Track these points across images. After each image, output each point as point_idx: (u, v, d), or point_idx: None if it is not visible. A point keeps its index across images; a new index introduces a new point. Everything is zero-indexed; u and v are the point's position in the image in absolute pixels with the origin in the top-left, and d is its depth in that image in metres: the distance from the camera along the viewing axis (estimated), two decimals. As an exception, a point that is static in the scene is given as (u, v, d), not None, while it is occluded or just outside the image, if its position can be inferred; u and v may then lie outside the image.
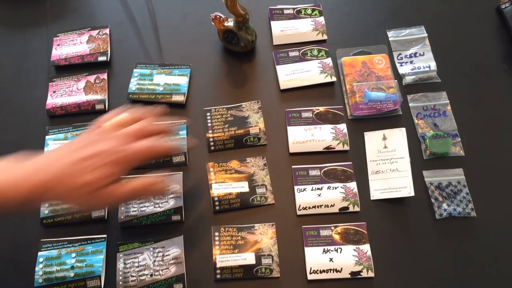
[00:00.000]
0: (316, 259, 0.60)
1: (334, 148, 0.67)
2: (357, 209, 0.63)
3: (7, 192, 0.45)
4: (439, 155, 0.66)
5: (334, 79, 0.71)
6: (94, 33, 0.76)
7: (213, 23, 0.71)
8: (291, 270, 0.60)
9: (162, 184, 0.53)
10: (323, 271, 0.59)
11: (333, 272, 0.59)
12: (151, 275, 0.59)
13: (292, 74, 0.71)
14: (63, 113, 0.69)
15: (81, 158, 0.47)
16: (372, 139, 0.68)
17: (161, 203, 0.63)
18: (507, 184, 0.65)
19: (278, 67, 0.72)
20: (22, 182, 0.45)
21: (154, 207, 0.62)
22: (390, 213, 0.63)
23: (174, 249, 0.60)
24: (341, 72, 0.73)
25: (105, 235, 0.61)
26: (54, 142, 0.66)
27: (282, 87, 0.71)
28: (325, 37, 0.76)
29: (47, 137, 0.67)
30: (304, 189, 0.64)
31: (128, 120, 0.53)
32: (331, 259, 0.60)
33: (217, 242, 0.61)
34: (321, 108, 0.70)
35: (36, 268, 0.59)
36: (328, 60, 0.73)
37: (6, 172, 0.46)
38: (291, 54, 0.74)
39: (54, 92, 0.71)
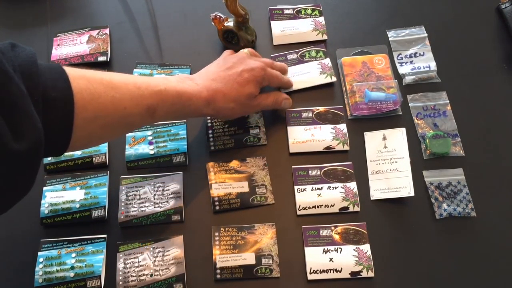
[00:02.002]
0: (316, 259, 0.60)
1: (334, 148, 0.67)
2: (357, 209, 0.63)
3: (193, 97, 0.56)
4: (439, 155, 0.66)
5: (334, 79, 0.71)
6: (94, 33, 0.76)
7: (213, 23, 0.71)
8: (291, 270, 0.60)
9: (290, 100, 0.68)
10: (323, 271, 0.59)
11: (333, 272, 0.59)
12: (151, 275, 0.59)
13: (292, 77, 0.71)
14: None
15: (241, 71, 0.61)
16: (372, 139, 0.68)
17: (161, 203, 0.63)
18: (507, 184, 0.65)
19: None
20: (203, 90, 0.57)
21: (154, 207, 0.62)
22: (390, 213, 0.63)
23: (174, 249, 0.60)
24: (341, 72, 0.73)
25: (105, 235, 0.61)
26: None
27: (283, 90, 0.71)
28: (325, 37, 0.76)
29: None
30: (304, 189, 0.64)
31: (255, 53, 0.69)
32: (331, 259, 0.60)
33: (217, 242, 0.61)
34: (321, 108, 0.70)
35: (36, 268, 0.59)
36: (327, 61, 0.73)
37: (186, 84, 0.57)
38: (290, 57, 0.73)
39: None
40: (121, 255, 0.60)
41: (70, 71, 0.46)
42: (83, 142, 0.50)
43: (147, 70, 0.72)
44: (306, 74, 0.72)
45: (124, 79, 0.52)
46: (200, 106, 0.57)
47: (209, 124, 0.69)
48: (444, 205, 0.63)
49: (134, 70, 0.72)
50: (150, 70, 0.72)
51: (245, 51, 0.67)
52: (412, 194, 0.62)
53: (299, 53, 0.73)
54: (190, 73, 0.72)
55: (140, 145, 0.67)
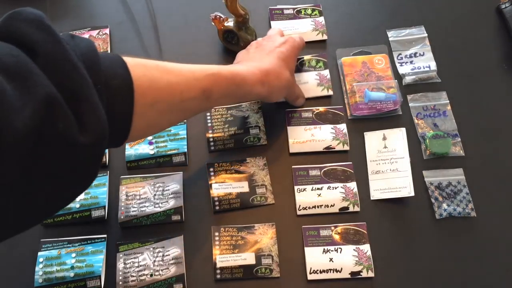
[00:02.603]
0: (316, 259, 0.60)
1: (334, 148, 0.67)
2: (357, 209, 0.63)
3: (247, 78, 0.57)
4: (439, 155, 0.66)
5: (330, 92, 0.71)
6: (94, 33, 0.76)
7: (213, 23, 0.71)
8: (291, 270, 0.60)
9: (303, 99, 0.70)
10: (323, 271, 0.59)
11: (333, 272, 0.59)
12: (151, 275, 0.59)
13: None
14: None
15: (279, 48, 0.64)
16: (372, 139, 0.68)
17: (161, 203, 0.63)
18: (507, 184, 0.65)
19: None
20: (256, 70, 0.59)
21: (154, 207, 0.62)
22: (390, 213, 0.63)
23: (174, 249, 0.60)
24: (341, 72, 0.73)
25: (105, 235, 0.61)
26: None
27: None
28: (325, 37, 0.76)
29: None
30: (304, 189, 0.64)
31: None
32: (331, 259, 0.60)
33: (217, 242, 0.61)
34: (321, 108, 0.70)
35: (36, 268, 0.59)
36: (326, 72, 0.72)
37: (238, 67, 0.59)
38: None
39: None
40: (121, 255, 0.60)
41: (127, 59, 0.46)
42: (142, 131, 0.50)
43: (147, 70, 0.72)
44: (303, 85, 0.71)
45: (178, 65, 0.52)
46: (254, 86, 0.58)
47: (209, 124, 0.69)
48: (444, 205, 0.63)
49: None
50: (150, 70, 0.72)
51: (272, 32, 0.70)
52: (412, 194, 0.62)
53: (299, 61, 0.73)
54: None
55: (140, 145, 0.67)
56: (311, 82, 0.72)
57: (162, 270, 0.59)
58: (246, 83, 0.57)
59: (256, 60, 0.62)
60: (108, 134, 0.40)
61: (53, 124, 0.35)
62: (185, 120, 0.69)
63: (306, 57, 0.74)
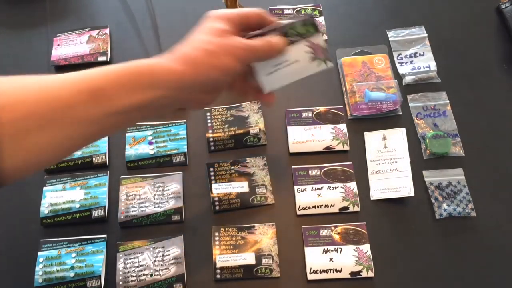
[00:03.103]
0: (316, 259, 0.60)
1: (334, 148, 0.67)
2: (357, 209, 0.63)
3: (164, 72, 0.44)
4: (439, 155, 0.66)
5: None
6: (94, 33, 0.76)
7: (213, 23, 0.71)
8: (291, 270, 0.60)
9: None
10: (323, 271, 0.59)
11: (333, 272, 0.59)
12: (151, 275, 0.59)
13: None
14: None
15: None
16: (372, 139, 0.68)
17: (161, 203, 0.63)
18: (507, 184, 0.65)
19: None
20: (178, 62, 0.45)
21: (154, 207, 0.62)
22: (390, 213, 0.63)
23: (174, 249, 0.60)
24: (341, 72, 0.73)
25: (105, 235, 0.61)
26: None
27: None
28: (325, 37, 0.76)
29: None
30: (304, 189, 0.64)
31: None
32: (331, 259, 0.60)
33: (217, 242, 0.61)
34: (321, 108, 0.70)
35: (36, 268, 0.59)
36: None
37: (157, 61, 0.45)
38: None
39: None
40: (121, 255, 0.60)
41: None
42: (20, 162, 0.39)
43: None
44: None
45: (56, 75, 0.42)
46: (161, 63, 0.45)
47: (209, 124, 0.69)
48: (444, 205, 0.63)
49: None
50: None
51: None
52: (412, 194, 0.62)
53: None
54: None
55: (140, 145, 0.67)
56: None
57: (162, 270, 0.59)
58: (147, 67, 0.44)
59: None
60: None
61: None
62: (185, 120, 0.69)
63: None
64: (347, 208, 0.63)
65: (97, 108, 0.41)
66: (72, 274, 0.58)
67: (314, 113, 0.69)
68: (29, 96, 0.39)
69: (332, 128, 0.68)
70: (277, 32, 0.50)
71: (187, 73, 0.44)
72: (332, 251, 0.60)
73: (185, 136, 0.68)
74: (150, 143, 0.67)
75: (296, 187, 0.64)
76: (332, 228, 0.62)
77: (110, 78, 0.42)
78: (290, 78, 0.52)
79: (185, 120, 0.69)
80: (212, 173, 0.65)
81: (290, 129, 0.68)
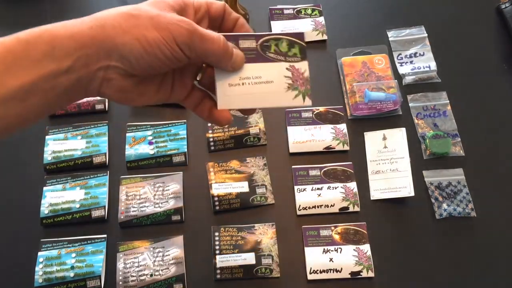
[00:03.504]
0: (316, 259, 0.60)
1: (334, 148, 0.67)
2: (357, 209, 0.63)
3: (61, 38, 0.34)
4: (439, 155, 0.66)
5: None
6: (94, 33, 0.76)
7: (213, 23, 0.71)
8: (291, 270, 0.60)
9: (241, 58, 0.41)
10: (323, 271, 0.59)
11: (333, 272, 0.59)
12: (151, 275, 0.59)
13: None
14: (63, 113, 0.69)
15: None
16: (372, 139, 0.68)
17: (161, 203, 0.63)
18: (507, 184, 0.65)
19: None
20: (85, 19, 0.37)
21: (154, 207, 0.62)
22: (390, 213, 0.63)
23: (174, 249, 0.60)
24: (341, 72, 0.73)
25: (105, 235, 0.61)
26: (54, 142, 0.66)
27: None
28: (325, 37, 0.76)
29: (47, 137, 0.67)
30: (304, 189, 0.64)
31: None
32: (331, 259, 0.60)
33: (217, 242, 0.61)
34: (321, 108, 0.70)
35: (36, 268, 0.59)
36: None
37: (61, 24, 0.36)
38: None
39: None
40: (121, 255, 0.60)
41: None
42: None
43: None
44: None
45: None
46: (69, 26, 0.35)
47: (209, 124, 0.69)
48: (444, 205, 0.63)
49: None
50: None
51: None
52: (412, 194, 0.62)
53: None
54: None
55: (140, 145, 0.67)
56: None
57: (162, 270, 0.59)
58: (37, 33, 0.34)
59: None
60: None
61: None
62: (185, 120, 0.69)
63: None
64: (347, 208, 0.63)
65: None
66: (72, 274, 0.58)
67: (314, 113, 0.69)
68: None
69: (332, 128, 0.68)
70: (254, 40, 0.41)
71: (96, 36, 0.34)
72: (332, 251, 0.60)
73: (185, 136, 0.68)
74: (150, 143, 0.67)
75: (296, 187, 0.64)
76: (332, 228, 0.62)
77: None
78: (256, 101, 0.42)
79: (185, 120, 0.69)
80: (212, 173, 0.65)
81: (290, 129, 0.68)
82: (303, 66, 0.43)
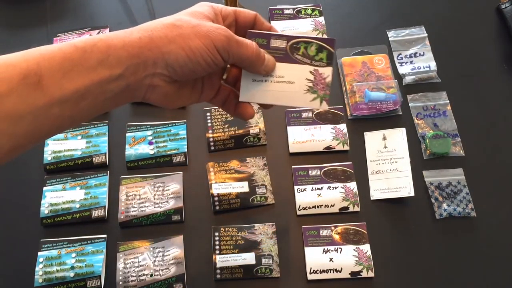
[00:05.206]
0: (316, 259, 0.60)
1: (334, 148, 0.67)
2: (357, 209, 0.63)
3: (104, 36, 0.37)
4: (439, 155, 0.66)
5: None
6: (94, 33, 0.76)
7: (213, 23, 0.71)
8: (291, 270, 0.60)
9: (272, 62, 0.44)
10: (323, 271, 0.59)
11: (333, 272, 0.59)
12: (151, 275, 0.59)
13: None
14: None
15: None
16: (372, 139, 0.68)
17: (161, 203, 0.63)
18: (507, 184, 0.65)
19: None
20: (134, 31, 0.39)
21: (154, 207, 0.62)
22: (390, 213, 0.63)
23: (174, 249, 0.60)
24: (341, 72, 0.73)
25: (105, 235, 0.61)
26: (54, 142, 0.66)
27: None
28: (325, 37, 0.76)
29: (47, 137, 0.67)
30: (304, 189, 0.64)
31: None
32: (331, 259, 0.60)
33: (217, 242, 0.61)
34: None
35: (36, 268, 0.59)
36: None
37: (113, 34, 0.38)
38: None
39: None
40: (121, 255, 0.60)
41: None
42: None
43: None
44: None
45: None
46: (120, 36, 0.37)
47: (209, 124, 0.69)
48: (444, 205, 0.63)
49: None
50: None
51: None
52: (412, 194, 0.62)
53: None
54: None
55: (140, 145, 0.67)
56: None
57: (162, 270, 0.59)
58: (92, 41, 0.36)
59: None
60: None
61: None
62: (185, 120, 0.69)
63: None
64: (347, 208, 0.63)
65: (32, 98, 0.34)
66: (72, 274, 0.58)
67: (314, 113, 0.69)
68: None
69: (332, 128, 0.68)
70: (285, 40, 0.43)
71: (145, 46, 0.37)
72: (332, 251, 0.60)
73: (185, 136, 0.68)
74: (150, 143, 0.67)
75: (296, 187, 0.64)
76: (332, 228, 0.62)
77: (48, 59, 0.34)
78: (274, 98, 0.45)
79: (185, 120, 0.69)
80: (212, 173, 0.65)
81: (290, 129, 0.68)
82: (327, 72, 0.44)
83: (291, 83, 0.44)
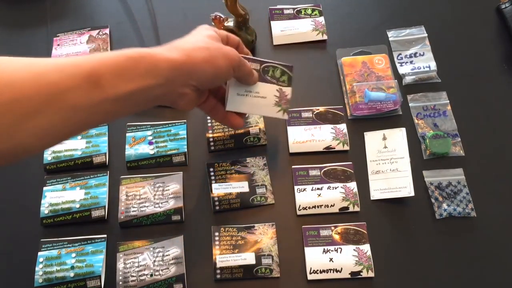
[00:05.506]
0: (316, 259, 0.60)
1: (334, 148, 0.67)
2: (357, 209, 0.63)
3: (148, 51, 0.45)
4: (439, 155, 0.66)
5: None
6: (94, 33, 0.76)
7: (213, 23, 0.71)
8: (291, 270, 0.60)
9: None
10: (323, 271, 0.59)
11: (333, 272, 0.59)
12: (151, 275, 0.59)
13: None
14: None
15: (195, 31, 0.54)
16: (372, 139, 0.68)
17: (161, 203, 0.63)
18: (507, 184, 0.65)
19: None
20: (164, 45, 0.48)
21: (154, 207, 0.62)
22: (390, 213, 0.63)
23: (174, 249, 0.60)
24: (341, 72, 0.73)
25: (105, 235, 0.61)
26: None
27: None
28: (325, 37, 0.76)
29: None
30: (304, 189, 0.64)
31: None
32: (331, 259, 0.60)
33: (217, 242, 0.61)
34: (321, 108, 0.70)
35: (36, 268, 0.59)
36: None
37: (156, 49, 0.47)
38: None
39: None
40: (121, 255, 0.60)
41: None
42: (9, 144, 0.38)
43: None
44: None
45: (49, 59, 0.44)
46: (161, 54, 0.46)
47: (209, 124, 0.69)
48: (444, 205, 0.63)
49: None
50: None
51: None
52: (412, 194, 0.62)
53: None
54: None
55: (140, 145, 0.67)
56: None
57: (162, 270, 0.59)
58: (143, 54, 0.45)
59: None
60: None
61: None
62: (185, 120, 0.69)
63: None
64: (347, 208, 0.63)
65: (91, 93, 0.41)
66: (72, 274, 0.58)
67: (314, 113, 0.69)
68: (14, 77, 0.38)
69: (332, 128, 0.68)
70: (259, 64, 0.57)
71: (184, 63, 0.46)
72: (332, 251, 0.60)
73: (185, 136, 0.68)
74: (150, 143, 0.67)
75: (296, 187, 0.64)
76: (332, 228, 0.62)
77: (106, 64, 0.42)
78: (252, 109, 0.58)
79: (185, 120, 0.69)
80: (212, 173, 0.65)
81: (290, 129, 0.68)
82: (288, 91, 0.59)
83: (264, 98, 0.57)
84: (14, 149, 0.39)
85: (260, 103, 0.57)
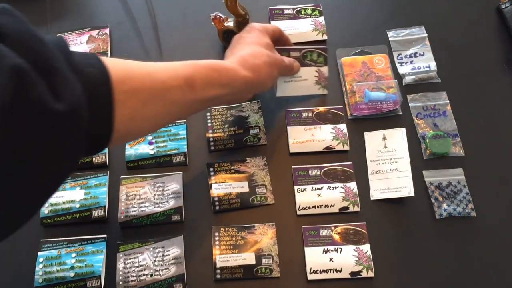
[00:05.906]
0: (316, 259, 0.60)
1: (334, 148, 0.67)
2: (357, 209, 0.63)
3: (226, 64, 0.56)
4: (439, 155, 0.66)
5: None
6: (94, 33, 0.76)
7: (213, 23, 0.71)
8: (291, 270, 0.60)
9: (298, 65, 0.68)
10: (323, 271, 0.59)
11: (333, 272, 0.59)
12: (151, 275, 0.59)
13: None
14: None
15: (249, 37, 0.63)
16: (372, 139, 0.68)
17: (161, 203, 0.63)
18: (507, 184, 0.65)
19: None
20: (233, 58, 0.58)
21: (154, 207, 0.62)
22: (390, 213, 0.63)
23: (174, 249, 0.60)
24: (341, 72, 0.73)
25: (105, 235, 0.61)
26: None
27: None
28: (325, 37, 0.76)
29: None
30: (304, 189, 0.64)
31: None
32: (331, 259, 0.60)
33: (217, 242, 0.61)
34: (321, 108, 0.70)
35: (36, 268, 0.59)
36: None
37: (235, 65, 0.56)
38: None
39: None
40: (121, 255, 0.60)
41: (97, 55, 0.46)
42: (126, 124, 0.45)
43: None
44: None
45: (153, 63, 0.51)
46: (237, 70, 0.55)
47: (209, 124, 0.69)
48: (444, 205, 0.63)
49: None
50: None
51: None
52: (412, 194, 0.62)
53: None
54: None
55: (140, 145, 0.67)
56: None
57: (162, 270, 0.59)
58: (225, 68, 0.55)
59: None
60: (89, 125, 0.39)
61: (24, 92, 0.33)
62: (185, 120, 0.69)
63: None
64: (347, 208, 0.63)
65: (187, 93, 0.51)
66: (72, 274, 0.58)
67: (314, 113, 0.69)
68: (138, 73, 0.47)
69: (332, 128, 0.68)
70: (298, 51, 0.67)
71: (254, 79, 0.57)
72: (332, 251, 0.60)
73: (185, 136, 0.68)
74: (150, 143, 0.67)
75: (296, 187, 0.64)
76: (332, 228, 0.62)
77: (199, 71, 0.52)
78: (298, 91, 0.69)
79: (185, 120, 0.69)
80: (212, 173, 0.65)
81: (290, 129, 0.68)
82: (325, 70, 0.70)
83: (306, 80, 0.69)
84: (132, 132, 0.49)
85: (303, 85, 0.68)
